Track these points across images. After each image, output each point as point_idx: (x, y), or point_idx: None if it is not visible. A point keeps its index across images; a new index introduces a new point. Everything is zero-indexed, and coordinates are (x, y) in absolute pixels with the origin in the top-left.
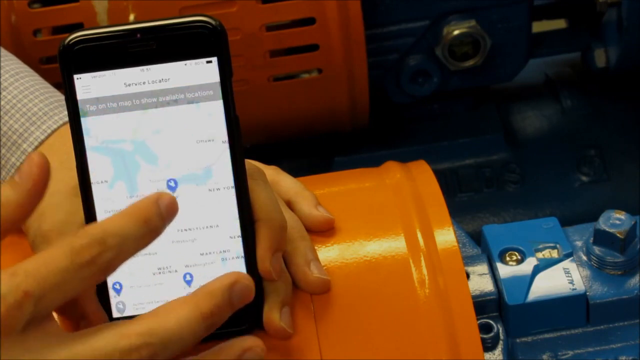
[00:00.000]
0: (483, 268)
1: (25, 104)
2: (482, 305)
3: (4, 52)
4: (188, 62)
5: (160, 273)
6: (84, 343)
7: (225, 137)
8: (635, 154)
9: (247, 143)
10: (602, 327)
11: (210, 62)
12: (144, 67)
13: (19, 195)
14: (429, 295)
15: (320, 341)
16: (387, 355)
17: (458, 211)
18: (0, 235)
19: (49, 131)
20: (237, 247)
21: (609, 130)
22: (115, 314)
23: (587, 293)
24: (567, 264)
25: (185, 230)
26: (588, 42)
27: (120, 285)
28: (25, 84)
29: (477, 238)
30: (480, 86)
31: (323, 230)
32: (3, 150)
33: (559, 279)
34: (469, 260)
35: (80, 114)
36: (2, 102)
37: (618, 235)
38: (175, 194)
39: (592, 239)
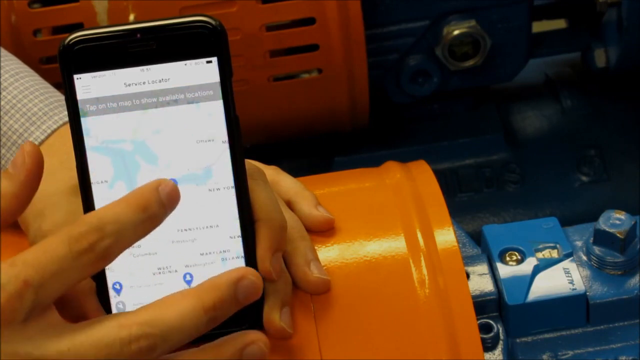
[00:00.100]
0: (483, 268)
1: (25, 104)
2: (482, 305)
3: (4, 52)
4: (188, 62)
5: (160, 273)
6: (84, 333)
7: (225, 137)
8: (635, 154)
9: (247, 143)
10: (602, 327)
11: (210, 62)
12: (144, 67)
13: (14, 186)
14: (429, 295)
15: (320, 341)
16: (387, 355)
17: (458, 211)
18: None
19: (49, 131)
20: (237, 247)
21: (609, 130)
22: None
23: (587, 293)
24: (567, 264)
25: (185, 230)
26: (588, 42)
27: (120, 285)
28: (25, 84)
29: (477, 238)
30: (480, 86)
31: (323, 230)
32: (3, 150)
33: (559, 279)
34: (469, 260)
35: (80, 114)
36: (2, 102)
37: (618, 235)
38: None
39: (592, 239)
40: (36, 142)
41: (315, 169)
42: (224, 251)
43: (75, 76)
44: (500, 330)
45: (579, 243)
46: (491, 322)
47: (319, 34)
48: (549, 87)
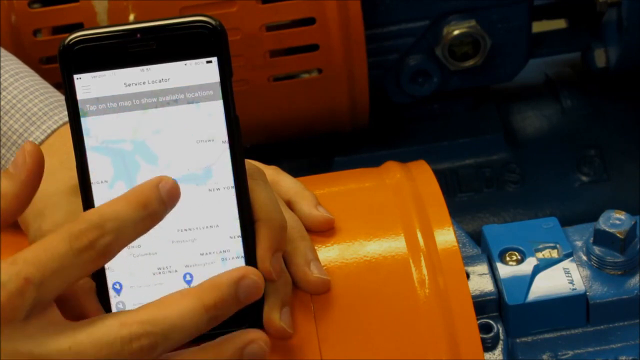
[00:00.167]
0: (483, 268)
1: (25, 104)
2: (482, 305)
3: (4, 52)
4: (188, 62)
5: (160, 273)
6: (85, 331)
7: (225, 137)
8: (635, 154)
9: (247, 143)
10: (602, 327)
11: (210, 62)
12: (144, 67)
13: (15, 185)
14: (429, 295)
15: (320, 341)
16: (387, 355)
17: (458, 211)
18: None
19: (49, 131)
20: (237, 247)
21: (609, 130)
22: None
23: (587, 293)
24: (567, 264)
25: (185, 230)
26: (588, 42)
27: (120, 285)
28: (25, 84)
29: (477, 238)
30: (480, 86)
31: (323, 230)
32: (3, 151)
33: (559, 279)
34: (469, 260)
35: (80, 114)
36: (2, 102)
37: (618, 235)
38: None
39: (592, 239)
40: (36, 142)
41: (315, 169)
42: (224, 251)
43: (75, 76)
44: (500, 330)
45: (579, 243)
46: (491, 322)
47: (319, 34)
48: (549, 87)
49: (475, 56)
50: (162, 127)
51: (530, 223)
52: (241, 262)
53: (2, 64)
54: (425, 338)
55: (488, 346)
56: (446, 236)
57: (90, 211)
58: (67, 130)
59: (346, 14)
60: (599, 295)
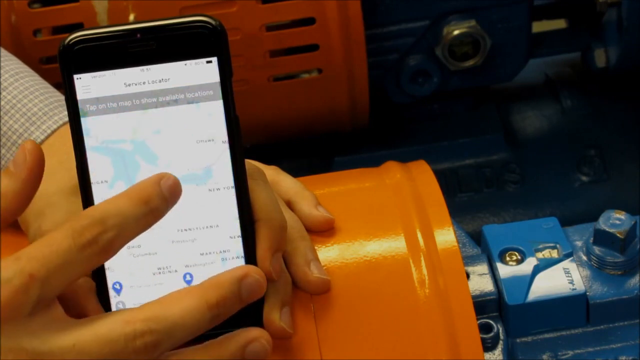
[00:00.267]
0: (483, 268)
1: (25, 104)
2: (482, 305)
3: (4, 52)
4: (188, 62)
5: (160, 273)
6: (89, 329)
7: (225, 137)
8: (635, 154)
9: (247, 143)
10: (602, 327)
11: (210, 62)
12: (144, 67)
13: (16, 184)
14: (429, 295)
15: (320, 341)
16: (387, 355)
17: (458, 211)
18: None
19: (48, 131)
20: (237, 247)
21: (609, 130)
22: None
23: (587, 293)
24: (567, 264)
25: (185, 230)
26: (588, 42)
27: (120, 285)
28: (25, 84)
29: (477, 238)
30: (480, 86)
31: (323, 230)
32: (3, 151)
33: (559, 279)
34: (469, 260)
35: (80, 114)
36: (2, 102)
37: (618, 235)
38: None
39: (592, 239)
40: (36, 142)
41: (315, 169)
42: (224, 251)
43: (75, 76)
44: (500, 330)
45: (579, 243)
46: (491, 322)
47: (319, 34)
48: (549, 87)
49: (475, 56)
50: (162, 127)
51: (530, 223)
52: (241, 262)
53: (2, 64)
54: (425, 338)
55: (488, 346)
56: (446, 236)
57: (93, 207)
58: (67, 130)
59: (346, 14)
60: (599, 295)
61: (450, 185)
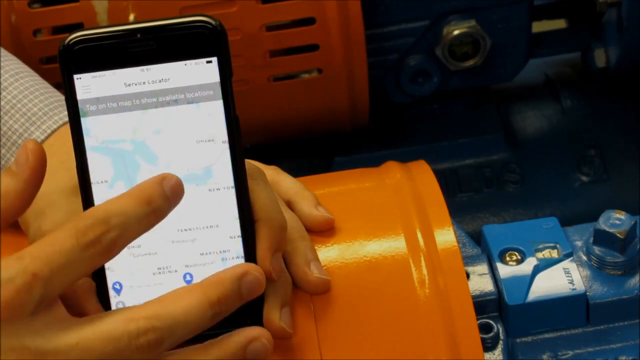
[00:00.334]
0: (483, 268)
1: (25, 104)
2: (482, 305)
3: (4, 52)
4: (188, 62)
5: (160, 273)
6: (92, 328)
7: (225, 137)
8: (635, 154)
9: (247, 143)
10: (602, 327)
11: (210, 62)
12: (144, 67)
13: (18, 183)
14: (429, 295)
15: (320, 341)
16: (387, 355)
17: (458, 211)
18: (0, 225)
19: (48, 131)
20: (237, 247)
21: (609, 130)
22: None
23: (587, 293)
24: (567, 264)
25: (185, 230)
26: (588, 42)
27: (120, 285)
28: (25, 84)
29: (477, 238)
30: (480, 86)
31: (323, 230)
32: (3, 151)
33: (559, 279)
34: (469, 260)
35: (80, 114)
36: (2, 102)
37: (618, 235)
38: None
39: (592, 239)
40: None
41: (315, 169)
42: (224, 251)
43: (75, 76)
44: (500, 330)
45: (579, 243)
46: (491, 322)
47: (319, 34)
48: (549, 87)
49: (475, 56)
50: (162, 127)
51: (530, 223)
52: (241, 262)
53: (2, 64)
54: (425, 338)
55: (488, 346)
56: (446, 236)
57: (95, 207)
58: (67, 130)
59: (346, 14)
60: (599, 295)
61: (450, 185)
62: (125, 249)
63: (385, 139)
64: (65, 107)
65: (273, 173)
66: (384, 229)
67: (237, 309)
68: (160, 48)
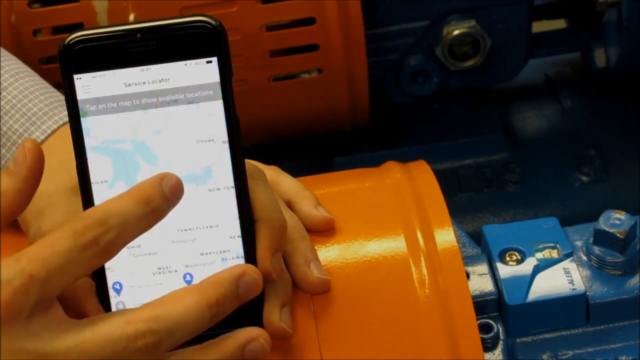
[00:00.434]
0: (483, 268)
1: (25, 104)
2: (482, 305)
3: (4, 52)
4: (188, 62)
5: (160, 273)
6: (90, 330)
7: (225, 137)
8: (635, 154)
9: (247, 143)
10: (602, 327)
11: (210, 62)
12: (144, 67)
13: (16, 183)
14: (429, 295)
15: (320, 341)
16: (387, 355)
17: (458, 211)
18: (0, 225)
19: (49, 131)
20: (237, 247)
21: (609, 130)
22: None
23: (587, 293)
24: (567, 264)
25: (185, 230)
26: (588, 42)
27: (120, 285)
28: (25, 84)
29: (477, 238)
30: (480, 86)
31: (323, 230)
32: (3, 151)
33: (559, 279)
34: (469, 260)
35: (80, 114)
36: (2, 102)
37: (618, 235)
38: None
39: (592, 239)
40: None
41: (315, 169)
42: (224, 251)
43: (75, 76)
44: (500, 330)
45: (579, 243)
46: (491, 322)
47: (319, 34)
48: (549, 87)
49: (475, 56)
50: (162, 127)
51: (530, 223)
52: (241, 262)
53: (2, 64)
54: (425, 338)
55: (488, 346)
56: (446, 236)
57: (94, 208)
58: (67, 130)
59: (346, 14)
60: (599, 295)
61: (450, 185)
62: (125, 248)
63: (385, 139)
64: (65, 107)
65: (273, 173)
66: (384, 229)
67: (237, 310)
68: (160, 48)
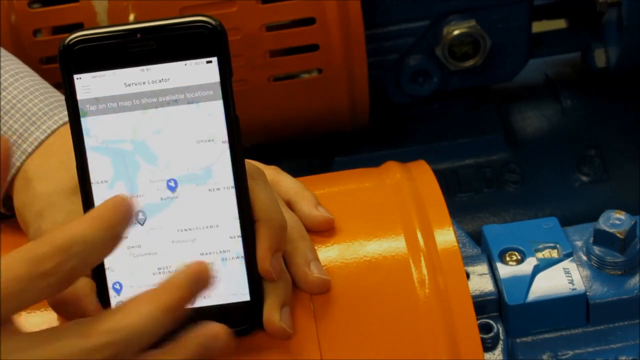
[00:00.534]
0: (483, 268)
1: (25, 104)
2: (482, 305)
3: (4, 52)
4: (188, 62)
5: (160, 273)
6: (45, 345)
7: (225, 137)
8: (635, 154)
9: (247, 143)
10: (602, 327)
11: (210, 62)
12: (144, 67)
13: None
14: (429, 295)
15: (320, 341)
16: (387, 355)
17: (458, 211)
18: None
19: (48, 131)
20: (237, 247)
21: (609, 130)
22: None
23: (587, 293)
24: (567, 264)
25: (185, 230)
26: (588, 42)
27: (120, 285)
28: (25, 84)
29: (477, 238)
30: (480, 86)
31: (323, 230)
32: None
33: (559, 279)
34: (469, 260)
35: (80, 114)
36: (2, 102)
37: (618, 235)
38: (175, 194)
39: (592, 239)
40: (36, 142)
41: (315, 169)
42: (224, 251)
43: (75, 76)
44: (500, 330)
45: (579, 243)
46: (491, 322)
47: (319, 34)
48: (549, 87)
49: (475, 56)
50: (162, 127)
51: (530, 223)
52: (241, 262)
53: (2, 64)
54: (425, 338)
55: (488, 346)
56: (446, 236)
57: (56, 232)
58: (67, 130)
59: (346, 14)
60: (599, 295)
61: (450, 185)
62: (125, 248)
63: (385, 139)
64: (65, 107)
65: (273, 173)
66: (384, 229)
67: (237, 310)
68: (160, 48)
